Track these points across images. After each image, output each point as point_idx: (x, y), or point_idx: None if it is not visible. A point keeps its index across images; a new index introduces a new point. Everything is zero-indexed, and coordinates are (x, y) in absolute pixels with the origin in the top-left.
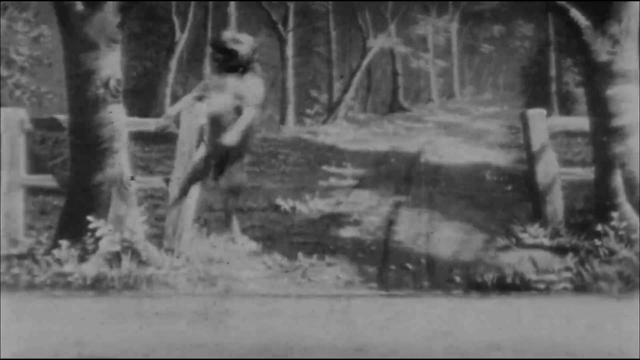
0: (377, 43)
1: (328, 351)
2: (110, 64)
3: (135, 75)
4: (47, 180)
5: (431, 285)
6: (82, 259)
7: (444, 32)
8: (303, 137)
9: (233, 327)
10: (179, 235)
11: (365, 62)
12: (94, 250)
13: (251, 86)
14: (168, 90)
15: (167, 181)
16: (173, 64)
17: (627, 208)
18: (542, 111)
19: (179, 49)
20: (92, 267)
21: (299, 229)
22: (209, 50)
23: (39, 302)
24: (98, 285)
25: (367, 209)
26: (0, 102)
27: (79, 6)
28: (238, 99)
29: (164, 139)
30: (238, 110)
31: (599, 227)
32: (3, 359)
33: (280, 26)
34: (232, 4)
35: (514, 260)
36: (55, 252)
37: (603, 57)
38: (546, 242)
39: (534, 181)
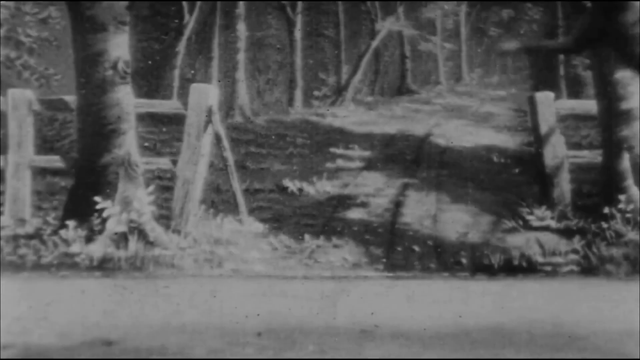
0: (386, 26)
1: (334, 332)
2: (119, 46)
3: (143, 57)
4: (54, 161)
5: (438, 267)
6: (89, 239)
7: (453, 15)
8: (311, 119)
9: (240, 308)
10: (186, 216)
11: (373, 45)
12: (101, 231)
13: None
14: (176, 72)
15: (175, 162)
16: (181, 45)
17: (634, 191)
18: (549, 94)
19: (187, 31)
20: (99, 248)
21: (306, 210)
22: (217, 32)
23: (46, 282)
24: (105, 265)
25: (374, 191)
26: (8, 83)
27: None
28: None
29: (172, 121)
30: None
31: (606, 210)
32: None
33: (289, 9)
34: None
35: (521, 243)
36: (62, 232)
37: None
38: (553, 224)
39: (541, 164)
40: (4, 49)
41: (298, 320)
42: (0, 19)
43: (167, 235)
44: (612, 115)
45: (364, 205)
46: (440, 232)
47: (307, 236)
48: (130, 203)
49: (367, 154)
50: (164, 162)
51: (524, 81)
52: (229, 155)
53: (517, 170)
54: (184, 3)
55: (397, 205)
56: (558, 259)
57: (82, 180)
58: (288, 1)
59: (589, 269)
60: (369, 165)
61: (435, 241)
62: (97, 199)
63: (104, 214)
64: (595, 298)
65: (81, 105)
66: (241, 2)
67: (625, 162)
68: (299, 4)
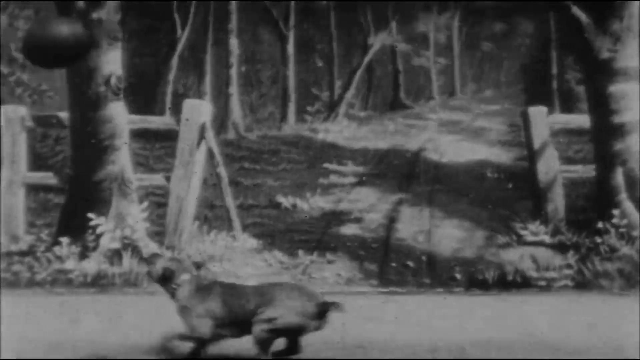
0: (378, 40)
1: (328, 348)
2: (112, 62)
3: (136, 72)
4: (48, 178)
5: (432, 282)
6: (82, 256)
7: (445, 29)
8: (304, 135)
9: None
10: (180, 232)
11: (366, 60)
12: (95, 248)
13: None
14: (169, 88)
15: (168, 179)
16: (174, 61)
17: (628, 205)
18: (543, 109)
19: (180, 46)
20: (93, 265)
21: (300, 226)
22: (210, 47)
23: (40, 300)
24: (99, 282)
25: (368, 207)
26: (1, 99)
27: (80, 4)
28: None
29: (165, 137)
30: None
31: (600, 225)
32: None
33: (281, 23)
34: (233, 2)
35: (515, 258)
36: (56, 249)
37: (604, 55)
38: (547, 239)
39: (535, 179)
40: None
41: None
42: None
43: (161, 252)
44: (605, 129)
45: (357, 220)
46: (434, 247)
47: (300, 252)
48: (123, 219)
49: (360, 169)
50: (157, 179)
51: (517, 95)
52: (222, 171)
53: (510, 185)
54: (177, 18)
55: (391, 220)
56: (552, 274)
57: (75, 197)
58: (280, 17)
59: (583, 283)
60: (363, 180)
61: (429, 257)
62: (90, 215)
63: (98, 231)
64: (590, 313)
65: (74, 121)
66: (234, 18)
67: (619, 176)
68: (292, 19)
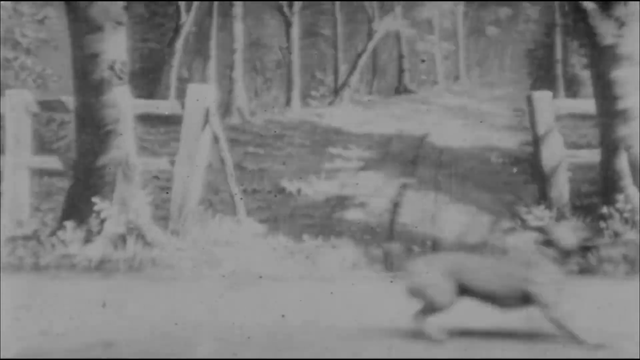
0: (383, 25)
1: (332, 333)
2: (116, 46)
3: (140, 57)
4: (52, 162)
5: None
6: (87, 240)
7: (450, 14)
8: (309, 119)
9: (238, 309)
10: (184, 217)
11: (371, 45)
12: (99, 232)
13: None
14: (173, 72)
15: (173, 163)
16: (179, 45)
17: (632, 191)
18: (548, 93)
19: (184, 31)
20: (97, 249)
21: (305, 210)
22: (214, 32)
23: (44, 284)
24: (103, 266)
25: (372, 191)
26: (5, 84)
27: None
28: None
29: (170, 121)
30: None
31: (604, 210)
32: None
33: (286, 8)
34: None
35: (520, 243)
36: (60, 233)
37: (609, 40)
38: (552, 224)
39: (539, 163)
40: (1, 50)
41: (297, 320)
42: None
43: (165, 236)
44: (610, 114)
45: (362, 205)
46: (438, 232)
47: (305, 237)
48: (128, 204)
49: (365, 154)
50: (161, 163)
51: (522, 80)
52: (226, 155)
53: (515, 170)
54: (181, 3)
55: (396, 205)
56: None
57: (80, 181)
58: (285, 1)
59: (587, 268)
60: (367, 165)
61: (433, 241)
62: (95, 200)
63: (102, 215)
64: (594, 298)
65: (78, 106)
66: (238, 2)
67: (624, 161)
68: (296, 3)
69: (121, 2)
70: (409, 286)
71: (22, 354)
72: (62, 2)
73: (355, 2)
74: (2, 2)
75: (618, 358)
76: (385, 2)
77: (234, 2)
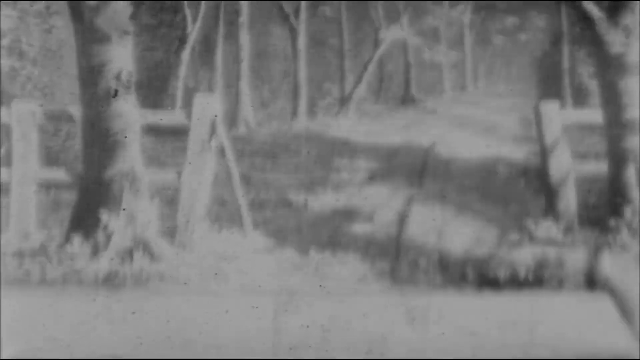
0: (390, 35)
1: (340, 346)
2: (122, 56)
3: (146, 67)
4: (59, 174)
5: (443, 280)
6: (94, 254)
7: (457, 24)
8: (315, 130)
9: (247, 323)
10: (191, 229)
11: (377, 54)
12: (106, 246)
13: None
14: (180, 82)
15: (180, 174)
16: (185, 55)
17: None
18: (555, 103)
19: (190, 40)
20: (104, 263)
21: (311, 223)
22: (221, 42)
23: (51, 298)
24: (110, 281)
25: (379, 203)
26: (11, 94)
27: (91, 2)
28: None
29: (176, 132)
30: None
31: (612, 222)
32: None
33: (292, 18)
34: None
35: (527, 256)
36: (68, 247)
37: (616, 49)
38: (559, 237)
39: (546, 175)
40: (7, 59)
41: (304, 334)
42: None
43: (172, 250)
44: (618, 124)
45: (369, 218)
46: (445, 245)
47: (312, 250)
48: (134, 217)
49: (372, 165)
50: (168, 175)
51: (529, 89)
52: (233, 166)
53: (522, 182)
54: (188, 13)
55: (402, 218)
56: (564, 272)
57: (86, 194)
58: (291, 12)
59: (595, 282)
60: (374, 177)
61: (440, 255)
62: (101, 212)
63: (109, 229)
64: (602, 312)
65: (85, 116)
66: (245, 12)
67: (632, 173)
68: (303, 13)
69: (127, 12)
70: None
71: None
72: (69, 12)
73: (361, 12)
74: (5, 13)
75: (618, 358)
76: (392, 12)
77: (241, 12)
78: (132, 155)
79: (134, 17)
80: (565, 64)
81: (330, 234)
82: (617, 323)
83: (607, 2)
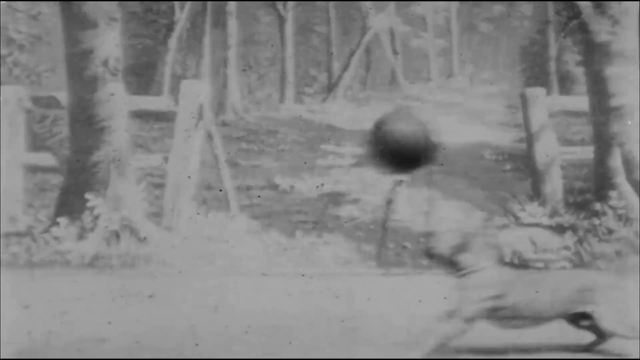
0: (377, 22)
1: (325, 330)
2: (110, 43)
3: (134, 53)
4: (46, 159)
5: (429, 263)
6: (80, 237)
7: (444, 11)
8: (302, 116)
9: (231, 306)
10: (178, 213)
11: (364, 41)
12: (93, 229)
13: None
14: (167, 69)
15: (166, 159)
16: (172, 42)
17: (626, 187)
18: (541, 90)
19: (178, 27)
20: (90, 246)
21: (298, 207)
22: (208, 29)
23: (38, 280)
24: (97, 263)
25: (365, 188)
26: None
27: None
28: None
29: (163, 117)
30: None
31: (598, 206)
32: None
33: (279, 5)
34: None
35: (513, 239)
36: (54, 230)
37: (602, 37)
38: (545, 221)
39: (533, 160)
40: None
41: (290, 317)
42: None
43: (159, 233)
44: (603, 111)
45: (355, 202)
46: (432, 228)
47: (298, 233)
48: (121, 200)
49: (358, 150)
50: (155, 159)
51: (515, 77)
52: (220, 152)
53: (508, 167)
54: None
55: (389, 202)
56: (550, 256)
57: (73, 178)
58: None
59: (580, 265)
60: (360, 161)
61: (427, 238)
62: (88, 196)
63: (95, 212)
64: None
65: (72, 102)
66: None
67: (617, 158)
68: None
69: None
70: None
71: (18, 353)
72: None
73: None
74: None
75: (618, 358)
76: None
77: None
78: (118, 140)
79: (121, 3)
80: (552, 51)
81: (317, 217)
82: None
83: None
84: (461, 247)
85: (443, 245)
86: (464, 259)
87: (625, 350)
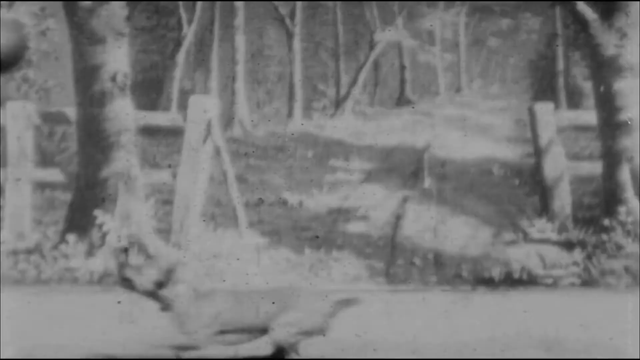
0: (385, 37)
1: (334, 346)
2: (118, 58)
3: (142, 69)
4: (54, 175)
5: (438, 280)
6: (89, 254)
7: (452, 25)
8: (310, 131)
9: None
10: (186, 230)
11: (372, 56)
12: (101, 245)
13: None
14: (175, 84)
15: (175, 175)
16: (180, 57)
17: (635, 203)
18: (549, 105)
19: (186, 42)
20: (99, 263)
21: (306, 223)
22: (216, 44)
23: (46, 297)
24: (105, 280)
25: (374, 204)
26: (6, 95)
27: (87, 3)
28: None
29: (171, 133)
30: None
31: (607, 222)
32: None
33: (287, 20)
34: None
35: (522, 255)
36: (63, 247)
37: (610, 51)
38: (553, 236)
39: (541, 175)
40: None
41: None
42: None
43: (167, 249)
44: (612, 125)
45: (364, 218)
46: (440, 245)
47: (307, 249)
48: (130, 217)
49: (367, 166)
50: (163, 175)
51: (523, 91)
52: (228, 168)
53: (517, 182)
54: (183, 14)
55: (398, 218)
56: (558, 271)
57: (82, 194)
58: (287, 14)
59: (589, 281)
60: (369, 177)
61: (435, 254)
62: (97, 212)
63: (104, 228)
64: (596, 310)
65: (80, 117)
66: (240, 14)
67: (626, 173)
68: (298, 14)
69: (123, 14)
70: None
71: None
72: (64, 13)
73: (356, 13)
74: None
75: (618, 358)
76: (387, 14)
77: (236, 11)
78: (127, 156)
79: (129, 19)
80: (560, 65)
81: (325, 233)
82: (612, 321)
83: (601, 4)
84: (163, 281)
85: (145, 279)
86: (167, 293)
87: (625, 350)
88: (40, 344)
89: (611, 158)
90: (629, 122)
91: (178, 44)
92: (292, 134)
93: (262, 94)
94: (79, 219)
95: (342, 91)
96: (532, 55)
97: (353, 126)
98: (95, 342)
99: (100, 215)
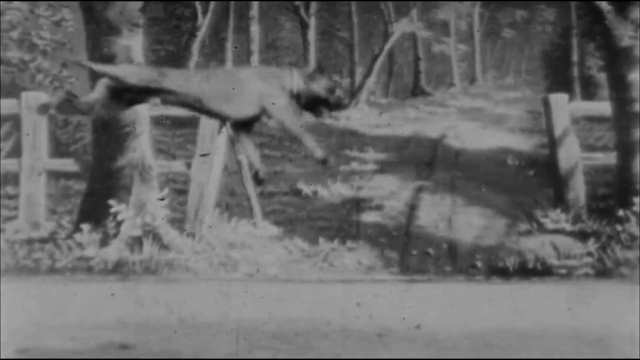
0: (399, 27)
1: (348, 336)
2: (132, 48)
3: (157, 59)
4: (68, 164)
5: (453, 270)
6: (103, 243)
7: (466, 16)
8: (325, 122)
9: (254, 312)
10: (200, 219)
11: (387, 47)
12: (116, 235)
13: None
14: None
15: (189, 165)
16: (195, 48)
17: None
18: (564, 96)
19: (201, 33)
20: (113, 252)
21: (321, 213)
22: (231, 34)
23: (60, 286)
24: (119, 269)
25: (388, 194)
26: (21, 86)
27: None
28: None
29: (186, 123)
30: None
31: (621, 213)
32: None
33: (302, 10)
34: None
35: (536, 246)
36: (77, 236)
37: (625, 42)
38: (568, 227)
39: (555, 166)
40: (17, 51)
41: (313, 323)
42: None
43: (181, 239)
44: (626, 117)
45: (378, 208)
46: (455, 235)
47: (321, 239)
48: (144, 206)
49: (381, 156)
50: (178, 165)
51: (538, 82)
52: (243, 158)
53: (531, 173)
54: (197, 5)
55: (412, 208)
56: (573, 262)
57: (96, 184)
58: (302, 1)
59: (603, 271)
60: (384, 168)
61: (450, 244)
62: (111, 202)
63: (119, 218)
64: (610, 301)
65: None
66: (255, 4)
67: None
68: (313, 5)
69: (138, 4)
70: None
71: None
72: (78, 3)
73: (371, 4)
74: (16, 2)
75: (618, 358)
76: (402, 5)
77: (251, 2)
78: (141, 146)
79: (144, 10)
80: (574, 56)
81: (340, 224)
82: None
83: None
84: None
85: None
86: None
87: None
88: (55, 332)
89: (625, 149)
90: None
91: (192, 34)
92: (307, 124)
93: None
94: (94, 209)
95: (357, 82)
96: (546, 47)
97: (367, 117)
98: (106, 331)
99: (114, 204)
